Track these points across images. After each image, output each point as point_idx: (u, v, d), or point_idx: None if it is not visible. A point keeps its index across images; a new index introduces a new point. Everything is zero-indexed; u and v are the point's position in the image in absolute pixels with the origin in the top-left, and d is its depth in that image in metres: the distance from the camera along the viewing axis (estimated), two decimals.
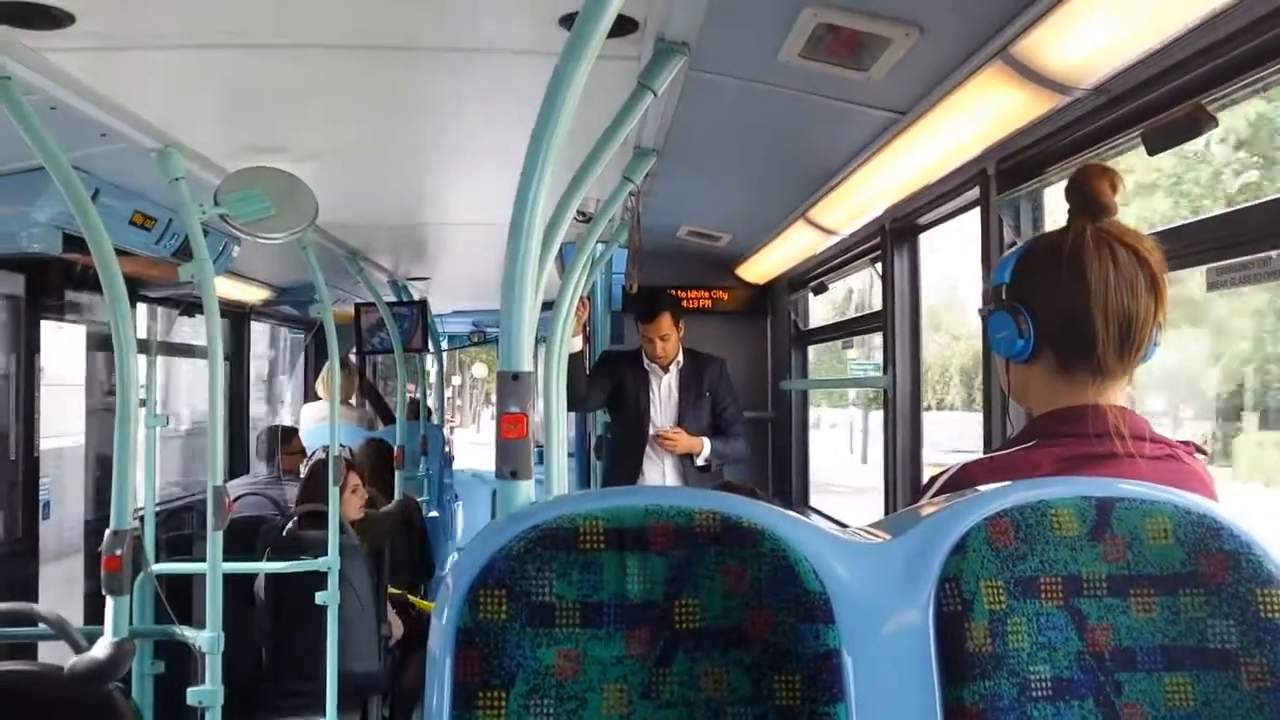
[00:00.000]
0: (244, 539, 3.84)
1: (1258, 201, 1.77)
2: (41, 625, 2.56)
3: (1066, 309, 1.36)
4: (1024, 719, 1.05)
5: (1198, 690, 1.07)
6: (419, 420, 6.58)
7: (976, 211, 2.70)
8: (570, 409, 4.32)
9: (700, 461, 4.37)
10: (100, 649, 2.40)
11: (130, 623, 2.60)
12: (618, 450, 4.64)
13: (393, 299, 6.18)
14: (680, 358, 4.47)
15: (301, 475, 4.91)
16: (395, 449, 5.66)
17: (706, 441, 4.37)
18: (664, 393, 4.45)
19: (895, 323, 3.54)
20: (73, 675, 2.31)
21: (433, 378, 7.96)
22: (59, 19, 1.94)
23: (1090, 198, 1.38)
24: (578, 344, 4.19)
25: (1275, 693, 1.06)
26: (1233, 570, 1.09)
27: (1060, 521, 1.10)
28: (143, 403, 3.31)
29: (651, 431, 4.40)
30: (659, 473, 4.40)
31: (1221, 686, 1.07)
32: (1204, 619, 1.08)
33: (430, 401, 7.59)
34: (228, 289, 5.10)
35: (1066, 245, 1.37)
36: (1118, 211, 1.38)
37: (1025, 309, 1.39)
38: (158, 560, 3.41)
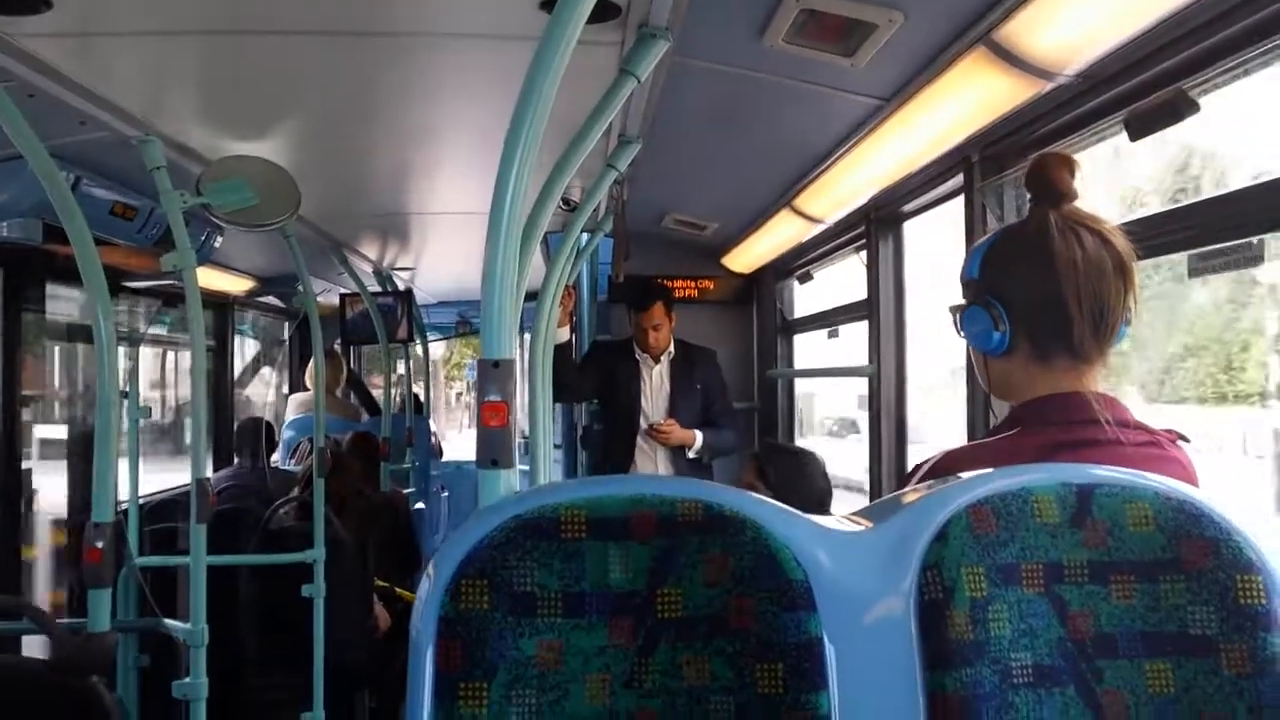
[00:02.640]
0: (229, 531, 3.83)
1: (1240, 187, 1.77)
2: (24, 619, 2.55)
3: (1039, 295, 1.36)
4: (1005, 706, 1.05)
5: (1178, 676, 1.07)
6: (405, 412, 6.56)
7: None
8: (556, 400, 4.31)
9: (692, 454, 4.37)
10: (82, 642, 2.39)
11: (114, 616, 2.58)
12: (608, 441, 4.62)
13: (377, 289, 6.15)
14: (671, 348, 4.47)
15: (275, 464, 4.89)
16: (381, 441, 5.64)
17: (699, 434, 4.36)
18: (655, 383, 4.44)
19: (880, 311, 3.54)
20: (54, 668, 2.30)
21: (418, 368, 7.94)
22: (35, 4, 1.92)
23: (1051, 185, 1.39)
24: (564, 334, 4.19)
25: (1255, 679, 1.06)
26: (1213, 557, 1.09)
27: (1041, 508, 1.10)
28: (125, 394, 3.30)
29: (644, 424, 4.40)
30: (651, 465, 4.39)
31: (1202, 673, 1.07)
32: (1184, 605, 1.09)
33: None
34: (210, 279, 5.07)
35: (1031, 233, 1.38)
36: (1079, 197, 1.39)
37: (998, 301, 1.40)
38: (142, 553, 3.39)
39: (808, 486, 2.67)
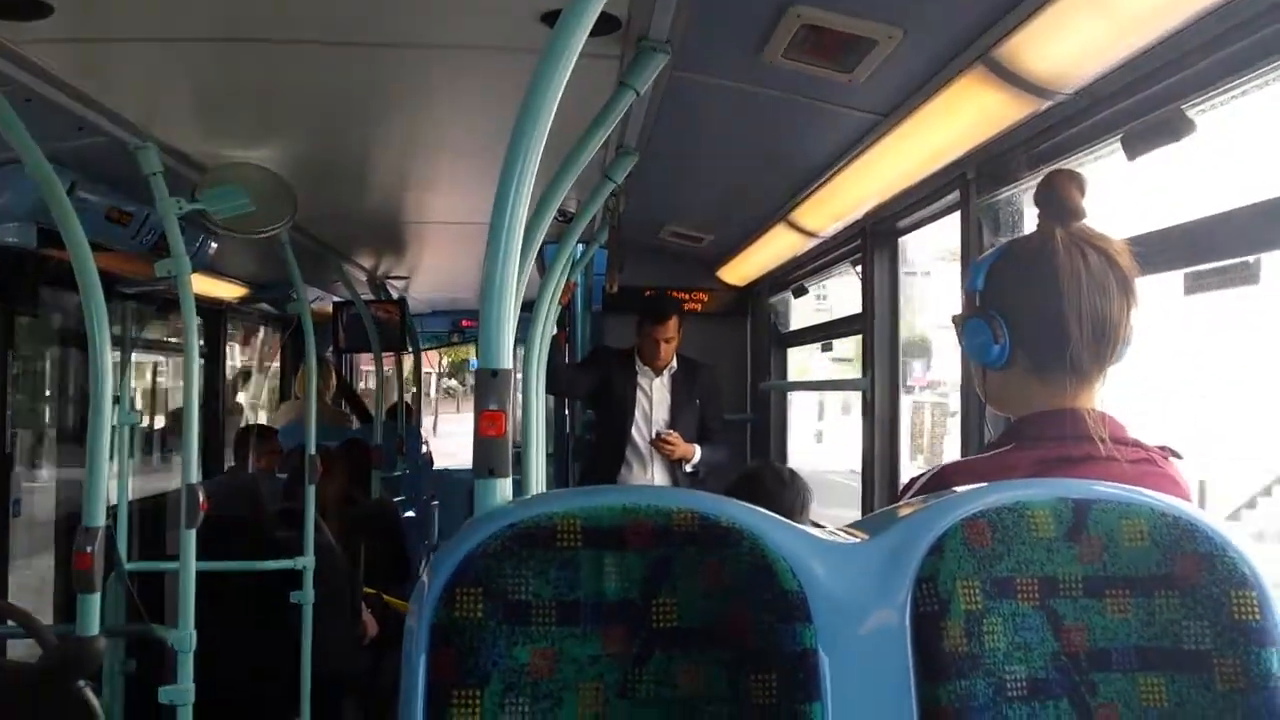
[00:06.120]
0: (218, 537, 3.80)
1: (1237, 207, 1.78)
2: (10, 622, 2.53)
3: (1040, 312, 1.37)
4: (999, 718, 1.05)
5: (1172, 691, 1.07)
6: (396, 420, 6.55)
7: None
8: (547, 391, 4.33)
9: (689, 468, 4.37)
10: (68, 646, 2.37)
11: (103, 620, 2.57)
12: (600, 451, 4.62)
13: (371, 297, 6.15)
14: (674, 363, 4.47)
15: (278, 474, 4.88)
16: (372, 448, 5.63)
17: (698, 448, 4.38)
18: (656, 396, 4.43)
19: (875, 325, 3.55)
20: (40, 672, 2.29)
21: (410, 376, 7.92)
22: (36, 9, 1.92)
23: (1060, 202, 1.40)
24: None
25: (1248, 694, 1.06)
26: (1207, 572, 1.09)
27: (1037, 522, 1.10)
28: (116, 399, 3.28)
29: (638, 436, 4.38)
30: (647, 477, 4.38)
31: (1195, 687, 1.07)
32: (1179, 620, 1.09)
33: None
34: (204, 285, 5.06)
35: (1037, 249, 1.38)
36: (1086, 215, 1.40)
37: (999, 314, 1.40)
38: (132, 558, 3.38)
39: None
